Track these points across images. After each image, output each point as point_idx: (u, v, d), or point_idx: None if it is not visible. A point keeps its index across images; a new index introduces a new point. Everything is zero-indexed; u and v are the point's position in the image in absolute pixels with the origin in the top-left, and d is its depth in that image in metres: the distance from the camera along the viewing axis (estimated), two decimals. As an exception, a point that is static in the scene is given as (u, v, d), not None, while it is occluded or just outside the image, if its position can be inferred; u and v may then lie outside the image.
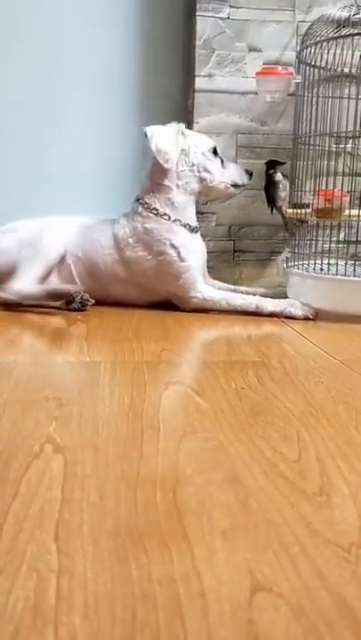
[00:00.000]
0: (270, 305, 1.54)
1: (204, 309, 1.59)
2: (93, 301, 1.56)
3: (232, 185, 1.63)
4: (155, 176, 1.59)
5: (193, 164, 1.58)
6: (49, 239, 1.60)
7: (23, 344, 1.29)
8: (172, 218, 1.58)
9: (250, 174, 1.64)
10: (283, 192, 1.69)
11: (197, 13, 1.74)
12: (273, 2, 1.75)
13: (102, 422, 0.81)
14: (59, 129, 1.90)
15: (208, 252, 1.72)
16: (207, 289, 1.60)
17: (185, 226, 1.59)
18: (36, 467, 0.68)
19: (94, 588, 0.47)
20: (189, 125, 1.80)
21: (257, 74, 1.62)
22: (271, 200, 1.73)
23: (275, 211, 1.75)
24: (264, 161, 1.75)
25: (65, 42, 1.86)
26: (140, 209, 1.59)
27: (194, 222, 1.62)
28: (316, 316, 1.52)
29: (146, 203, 1.59)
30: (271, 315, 1.53)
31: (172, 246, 1.57)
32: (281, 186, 1.69)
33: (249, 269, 1.88)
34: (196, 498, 0.61)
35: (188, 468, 0.68)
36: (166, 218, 1.58)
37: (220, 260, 1.85)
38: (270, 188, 1.72)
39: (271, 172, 1.70)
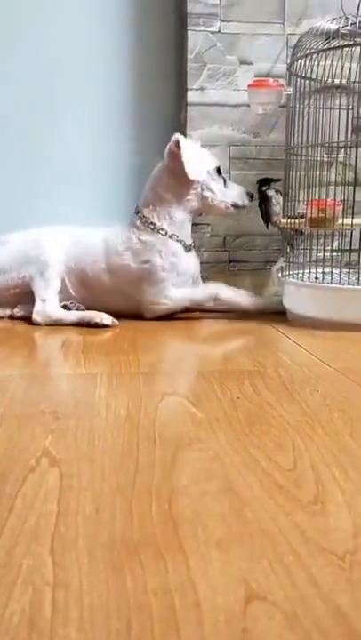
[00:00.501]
0: (228, 292, 1.63)
1: (170, 314, 1.62)
2: (117, 322, 1.55)
3: (232, 205, 1.64)
4: (158, 188, 1.60)
5: (197, 182, 1.59)
6: (51, 250, 1.61)
7: (20, 358, 1.29)
8: (169, 233, 1.60)
9: (250, 196, 1.66)
10: (276, 206, 1.71)
11: (188, 28, 1.76)
12: (263, 15, 1.77)
13: (98, 434, 0.82)
14: (54, 145, 1.91)
15: (203, 263, 1.74)
16: (173, 294, 1.61)
17: (180, 242, 1.61)
18: (32, 480, 0.68)
19: (90, 601, 0.47)
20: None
21: (248, 86, 1.64)
22: (266, 216, 1.74)
23: (271, 226, 1.76)
24: (257, 172, 1.77)
25: (60, 58, 1.88)
26: (138, 222, 1.61)
27: (189, 240, 1.64)
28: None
29: (144, 216, 1.60)
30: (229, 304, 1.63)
31: (160, 257, 1.58)
32: (274, 201, 1.71)
33: (244, 279, 1.88)
34: (191, 508, 0.62)
35: (184, 478, 0.69)
36: (163, 233, 1.59)
37: (215, 271, 1.86)
38: (264, 203, 1.73)
39: (264, 188, 1.72)
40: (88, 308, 1.60)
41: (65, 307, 1.61)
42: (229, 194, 1.64)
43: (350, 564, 0.52)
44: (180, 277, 1.62)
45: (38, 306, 1.56)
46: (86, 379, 1.09)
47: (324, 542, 0.55)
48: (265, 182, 1.73)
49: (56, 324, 1.54)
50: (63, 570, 0.51)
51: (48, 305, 1.56)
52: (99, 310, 1.58)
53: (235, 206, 1.65)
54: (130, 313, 1.63)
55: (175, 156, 1.56)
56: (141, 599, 0.47)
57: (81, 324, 1.53)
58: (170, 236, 1.60)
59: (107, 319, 1.53)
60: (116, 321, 1.55)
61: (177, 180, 1.58)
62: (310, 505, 0.63)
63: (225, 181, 1.64)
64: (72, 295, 1.64)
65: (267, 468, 0.71)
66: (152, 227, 1.59)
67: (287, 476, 0.69)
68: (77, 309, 1.60)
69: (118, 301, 1.63)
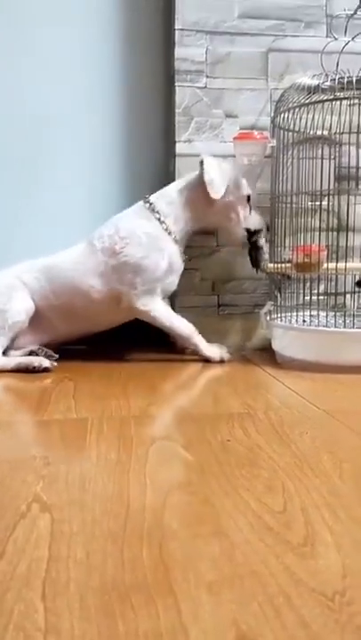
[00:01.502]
0: (205, 349, 1.66)
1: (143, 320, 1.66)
2: (57, 356, 1.58)
3: (247, 230, 1.72)
4: (186, 193, 1.67)
5: (228, 200, 1.67)
6: (14, 304, 1.60)
7: (10, 403, 1.29)
8: (177, 238, 1.66)
9: (267, 228, 1.74)
10: (265, 255, 1.75)
11: (176, 84, 1.84)
12: (247, 72, 1.86)
13: (89, 479, 0.82)
14: (43, 196, 1.96)
15: (192, 307, 1.78)
16: (159, 305, 1.65)
17: (181, 248, 1.68)
18: (23, 526, 0.68)
19: (81, 646, 0.47)
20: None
21: (234, 139, 1.71)
22: (256, 262, 1.78)
23: (259, 272, 1.80)
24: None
25: (56, 112, 1.95)
26: (151, 215, 1.65)
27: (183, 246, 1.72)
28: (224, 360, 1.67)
29: (159, 211, 1.65)
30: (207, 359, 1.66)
31: (162, 257, 1.62)
32: (265, 249, 1.75)
33: (234, 323, 1.91)
34: (182, 552, 0.62)
35: (175, 522, 0.69)
36: (173, 237, 1.65)
37: (204, 315, 1.89)
38: (254, 251, 1.77)
39: (254, 238, 1.76)
40: (82, 339, 1.61)
41: (32, 352, 1.60)
42: (251, 221, 1.71)
43: (339, 605, 0.52)
44: (172, 277, 1.67)
45: None
46: (77, 423, 1.09)
47: (313, 583, 0.56)
48: (255, 233, 1.77)
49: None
50: (55, 615, 0.51)
51: None
52: (93, 336, 1.61)
53: (248, 231, 1.72)
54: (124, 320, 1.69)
55: None
56: (133, 643, 0.47)
57: (20, 370, 1.52)
58: (175, 241, 1.66)
59: (45, 362, 1.52)
60: (55, 363, 1.55)
61: (205, 194, 1.63)
62: (300, 547, 0.63)
63: (250, 209, 1.72)
64: (59, 331, 1.65)
65: (257, 510, 0.72)
66: (164, 225, 1.64)
67: (277, 518, 0.70)
68: (46, 355, 1.59)
69: (119, 311, 1.65)
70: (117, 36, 1.96)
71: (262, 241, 1.76)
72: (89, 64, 1.95)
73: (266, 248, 1.75)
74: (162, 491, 0.78)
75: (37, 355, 1.59)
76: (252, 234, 1.75)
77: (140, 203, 1.69)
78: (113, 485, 0.80)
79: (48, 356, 1.59)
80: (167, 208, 1.66)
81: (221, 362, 1.65)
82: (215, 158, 1.67)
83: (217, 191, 1.62)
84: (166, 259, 1.64)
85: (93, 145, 1.98)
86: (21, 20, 1.91)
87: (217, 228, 1.77)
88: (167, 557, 0.61)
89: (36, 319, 1.64)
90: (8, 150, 1.94)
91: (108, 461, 0.89)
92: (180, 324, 1.66)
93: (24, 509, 0.72)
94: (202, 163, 1.64)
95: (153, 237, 1.63)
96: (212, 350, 1.67)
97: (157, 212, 1.66)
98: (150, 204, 1.67)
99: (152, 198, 1.68)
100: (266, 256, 1.75)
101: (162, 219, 1.65)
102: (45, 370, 1.51)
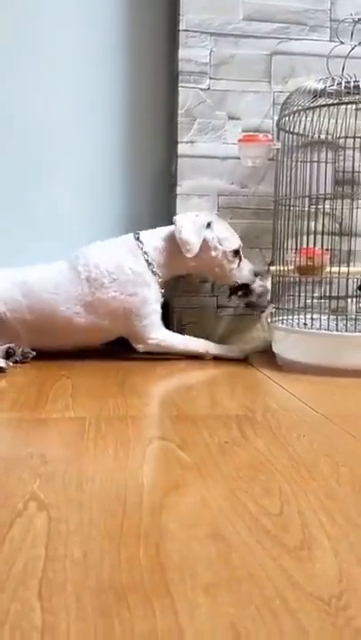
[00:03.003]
0: (214, 349, 1.69)
1: (159, 352, 1.67)
2: (34, 353, 1.60)
3: (235, 282, 1.73)
4: (170, 241, 1.66)
5: (211, 257, 1.67)
6: None
7: (6, 401, 1.29)
8: (162, 280, 1.67)
9: (255, 275, 1.74)
10: (265, 298, 1.75)
11: (180, 85, 1.84)
12: (250, 74, 1.86)
13: (86, 479, 0.82)
14: (45, 195, 1.96)
15: (191, 308, 1.80)
16: (166, 333, 1.68)
17: (160, 286, 1.68)
18: (20, 524, 0.68)
19: (77, 646, 0.47)
20: (173, 188, 1.88)
21: (239, 141, 1.71)
22: (253, 308, 1.79)
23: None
24: (245, 220, 1.82)
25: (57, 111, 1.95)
26: (140, 254, 1.64)
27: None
28: (247, 357, 1.70)
29: (147, 252, 1.65)
30: (214, 357, 1.69)
31: (150, 290, 1.63)
32: (265, 288, 1.75)
33: (232, 324, 1.91)
34: (179, 553, 0.62)
35: (172, 523, 0.69)
36: (158, 277, 1.65)
37: (203, 316, 1.89)
38: (248, 304, 1.79)
39: (242, 291, 1.76)
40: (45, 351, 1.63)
41: (9, 349, 1.58)
42: (238, 274, 1.71)
43: (336, 609, 0.52)
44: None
45: None
46: (74, 422, 1.09)
47: (310, 587, 0.56)
48: (245, 286, 1.75)
49: None
50: (51, 615, 0.51)
51: None
52: (54, 350, 1.62)
53: (237, 284, 1.73)
54: (95, 345, 1.68)
55: None
56: (129, 644, 0.47)
57: None
58: (159, 282, 1.66)
59: (0, 362, 1.51)
60: (10, 363, 1.54)
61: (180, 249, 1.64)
62: (297, 550, 0.63)
63: (240, 261, 1.71)
64: (22, 341, 1.62)
65: (254, 512, 0.72)
66: (152, 267, 1.65)
67: (274, 520, 0.70)
68: (23, 353, 1.59)
69: (90, 337, 1.65)
70: (121, 36, 1.96)
71: (259, 289, 1.74)
72: (92, 63, 1.95)
73: (265, 288, 1.74)
74: (159, 491, 0.78)
75: (14, 352, 1.58)
76: (240, 287, 1.74)
77: (131, 236, 1.68)
78: (110, 485, 0.80)
79: (25, 354, 1.60)
80: (153, 252, 1.66)
81: (246, 358, 1.69)
82: (190, 216, 1.66)
83: (189, 249, 1.62)
84: (153, 292, 1.64)
85: (96, 145, 1.98)
86: (24, 22, 1.90)
87: (205, 277, 1.81)
88: (164, 558, 0.61)
89: (0, 326, 1.62)
90: (11, 149, 1.94)
91: (106, 461, 0.89)
92: (194, 344, 1.69)
93: (21, 507, 0.72)
94: (174, 223, 1.64)
95: (139, 274, 1.63)
96: (232, 350, 1.71)
97: (145, 253, 1.65)
98: (140, 240, 1.66)
99: (142, 236, 1.67)
100: (265, 303, 1.74)
101: (149, 260, 1.65)
102: (0, 370, 1.49)
